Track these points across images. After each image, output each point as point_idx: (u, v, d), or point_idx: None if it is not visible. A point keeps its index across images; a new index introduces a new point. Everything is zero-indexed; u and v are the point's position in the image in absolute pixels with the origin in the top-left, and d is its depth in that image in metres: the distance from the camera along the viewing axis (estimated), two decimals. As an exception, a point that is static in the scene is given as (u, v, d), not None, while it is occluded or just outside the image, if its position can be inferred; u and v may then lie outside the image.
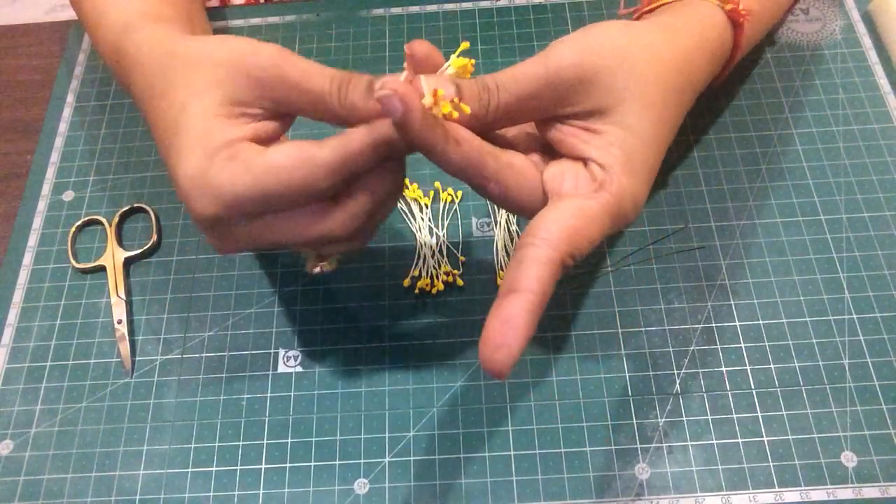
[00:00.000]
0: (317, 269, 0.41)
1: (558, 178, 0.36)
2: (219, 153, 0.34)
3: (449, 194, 0.50)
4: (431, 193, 0.50)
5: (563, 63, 0.36)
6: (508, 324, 0.32)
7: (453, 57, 0.36)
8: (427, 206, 0.50)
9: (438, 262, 0.48)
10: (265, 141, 0.36)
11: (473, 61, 0.36)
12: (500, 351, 0.31)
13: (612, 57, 0.36)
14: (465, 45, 0.37)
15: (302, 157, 0.33)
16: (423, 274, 0.47)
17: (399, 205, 0.49)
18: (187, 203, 0.35)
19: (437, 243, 0.48)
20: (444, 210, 0.50)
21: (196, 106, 0.35)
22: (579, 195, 0.35)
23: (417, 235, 0.49)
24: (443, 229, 0.49)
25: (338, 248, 0.38)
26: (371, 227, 0.38)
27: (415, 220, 0.49)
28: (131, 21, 0.42)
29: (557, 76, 0.36)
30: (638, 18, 0.44)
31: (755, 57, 0.55)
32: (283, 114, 0.36)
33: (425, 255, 0.48)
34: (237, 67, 0.35)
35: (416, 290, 0.47)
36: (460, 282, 0.47)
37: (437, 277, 0.47)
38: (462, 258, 0.48)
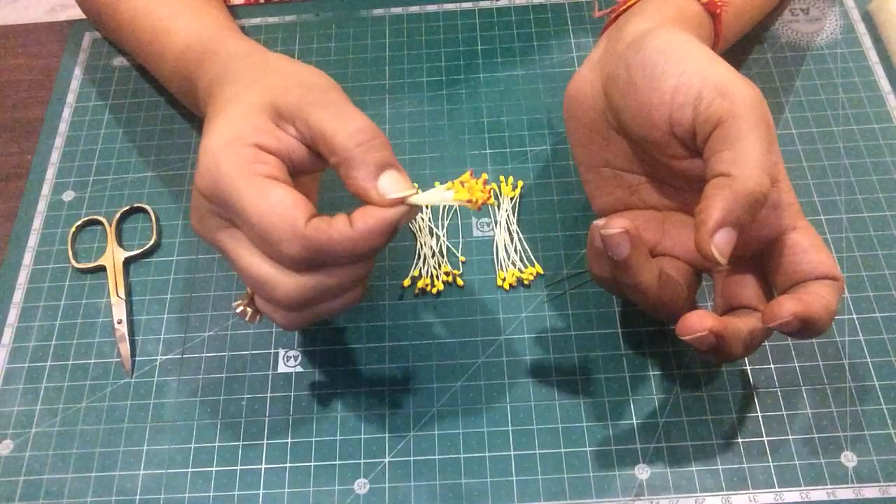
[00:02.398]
0: (239, 311, 0.40)
1: None
2: (243, 147, 0.35)
3: None
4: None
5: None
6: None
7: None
8: (427, 207, 0.50)
9: (438, 262, 0.48)
10: (295, 164, 0.36)
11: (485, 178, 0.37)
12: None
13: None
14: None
15: (290, 215, 0.34)
16: (423, 274, 0.47)
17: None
18: (196, 175, 0.36)
19: (437, 243, 0.48)
20: (443, 210, 0.50)
21: (246, 98, 0.37)
22: None
23: (418, 235, 0.49)
24: (443, 229, 0.49)
25: (270, 310, 0.38)
26: (308, 319, 0.38)
27: (415, 220, 0.49)
28: (213, 31, 0.47)
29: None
30: (614, 19, 0.44)
31: (746, 54, 0.55)
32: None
33: (425, 256, 0.48)
34: (292, 88, 0.37)
35: (416, 291, 0.47)
36: (460, 282, 0.47)
37: (437, 277, 0.47)
38: (462, 258, 0.48)
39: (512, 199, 0.50)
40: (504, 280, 0.47)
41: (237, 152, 0.34)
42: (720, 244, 0.33)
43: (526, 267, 0.47)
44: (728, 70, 0.36)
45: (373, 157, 0.35)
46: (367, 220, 0.34)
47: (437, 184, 0.50)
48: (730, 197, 0.33)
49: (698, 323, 0.35)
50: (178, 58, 0.47)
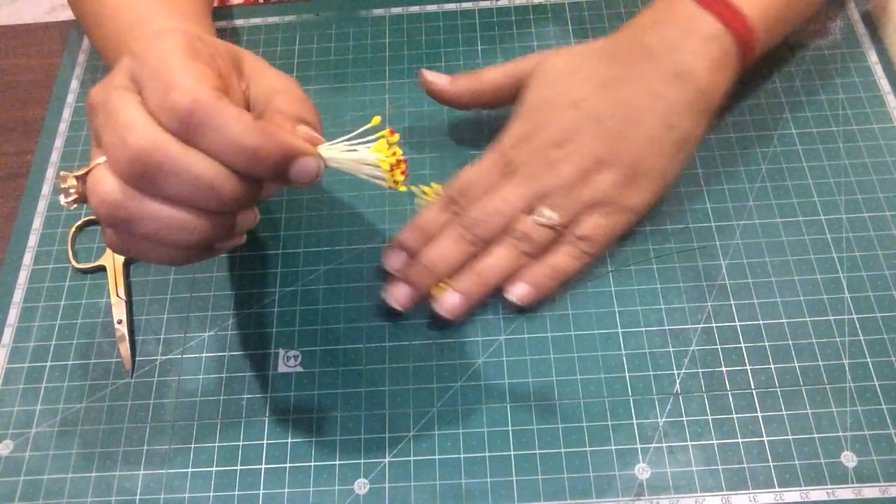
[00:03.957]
0: (66, 183, 0.34)
1: None
2: (200, 43, 0.33)
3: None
4: (429, 192, 0.50)
5: None
6: None
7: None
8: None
9: None
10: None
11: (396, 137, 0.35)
12: None
13: None
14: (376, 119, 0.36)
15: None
16: None
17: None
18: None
19: None
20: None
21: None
22: None
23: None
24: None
25: (101, 179, 0.32)
26: (142, 210, 0.32)
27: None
28: (141, 16, 0.43)
29: None
30: None
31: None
32: None
33: None
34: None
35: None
36: None
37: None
38: None
39: None
40: None
41: (193, 43, 0.33)
42: None
43: None
44: None
45: (297, 108, 0.34)
46: (273, 127, 0.32)
47: (434, 184, 0.50)
48: None
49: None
50: (114, 52, 0.45)
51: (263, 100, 0.35)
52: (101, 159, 0.32)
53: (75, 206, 0.34)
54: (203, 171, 0.31)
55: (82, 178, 0.33)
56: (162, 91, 0.30)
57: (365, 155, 0.34)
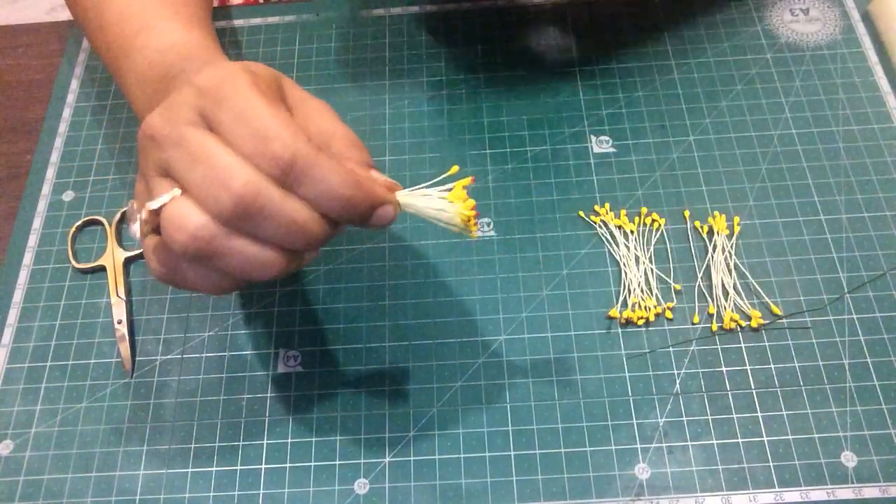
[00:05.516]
0: (139, 215, 0.34)
1: None
2: (260, 79, 0.34)
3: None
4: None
5: None
6: None
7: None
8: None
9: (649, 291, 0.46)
10: None
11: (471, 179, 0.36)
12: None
13: None
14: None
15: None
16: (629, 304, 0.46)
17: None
18: (195, 72, 0.34)
19: (640, 270, 0.47)
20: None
21: (250, 64, 0.36)
22: None
23: (622, 267, 0.48)
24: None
25: (182, 221, 0.33)
26: (226, 246, 0.33)
27: (618, 246, 0.47)
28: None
29: None
30: None
31: (746, 54, 0.55)
32: None
33: (629, 283, 0.46)
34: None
35: (622, 320, 0.45)
36: (668, 314, 0.46)
37: (647, 309, 0.46)
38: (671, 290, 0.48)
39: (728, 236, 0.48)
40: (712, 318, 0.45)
41: (255, 78, 0.34)
42: None
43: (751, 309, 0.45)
44: None
45: (365, 156, 0.36)
46: (362, 177, 0.34)
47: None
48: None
49: None
50: (153, 61, 0.44)
51: (315, 138, 0.35)
52: (175, 192, 0.33)
53: (145, 237, 0.34)
54: (299, 217, 0.33)
55: (157, 211, 0.33)
56: (258, 140, 0.32)
57: (444, 205, 0.35)
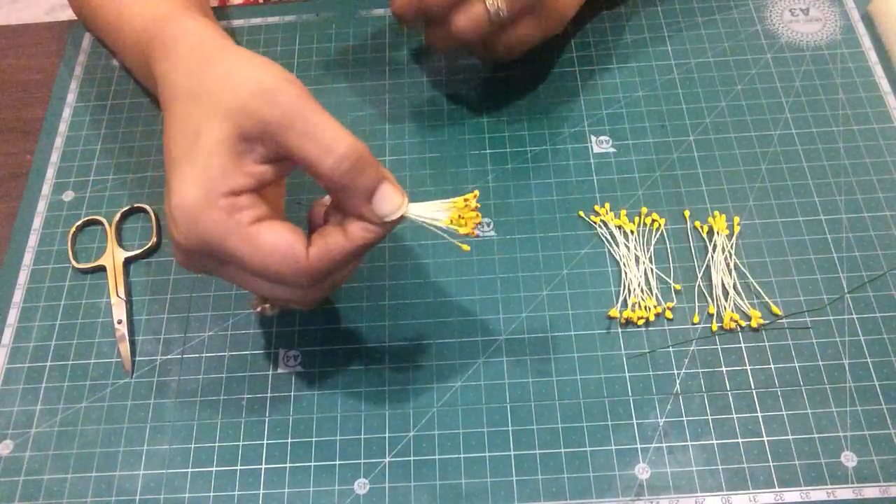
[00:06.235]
0: (258, 309, 0.43)
1: None
2: (218, 200, 0.35)
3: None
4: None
5: None
6: None
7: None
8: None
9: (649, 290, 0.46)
10: (265, 185, 0.37)
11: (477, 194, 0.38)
12: None
13: None
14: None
15: (290, 254, 0.35)
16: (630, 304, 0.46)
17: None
18: (171, 226, 0.36)
19: (641, 271, 0.47)
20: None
21: (207, 135, 0.35)
22: None
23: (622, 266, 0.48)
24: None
25: (290, 305, 0.42)
26: (323, 296, 0.41)
27: (618, 246, 0.47)
28: (165, 11, 0.44)
29: None
30: None
31: (746, 54, 0.55)
32: (286, 158, 0.37)
33: (629, 284, 0.46)
34: (251, 107, 0.35)
35: (623, 320, 0.45)
36: (668, 314, 0.46)
37: (647, 309, 0.45)
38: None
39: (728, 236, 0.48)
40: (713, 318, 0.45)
41: (214, 210, 0.35)
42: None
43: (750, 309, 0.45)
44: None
45: (362, 183, 0.35)
46: (363, 231, 0.36)
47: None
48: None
49: None
50: (136, 42, 0.46)
51: (330, 177, 0.35)
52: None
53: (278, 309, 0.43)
54: (346, 272, 0.41)
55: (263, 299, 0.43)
56: (274, 282, 0.37)
57: (443, 215, 0.38)
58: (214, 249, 0.36)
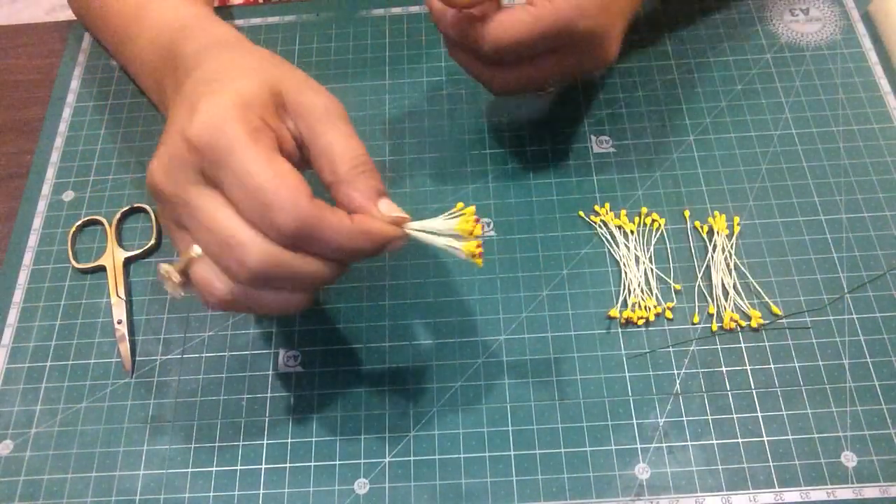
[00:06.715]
0: (170, 276, 0.37)
1: None
2: (250, 116, 0.34)
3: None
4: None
5: None
6: None
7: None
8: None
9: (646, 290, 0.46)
10: (284, 156, 0.36)
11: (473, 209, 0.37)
12: None
13: None
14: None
15: (296, 190, 0.33)
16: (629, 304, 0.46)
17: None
18: (182, 120, 0.34)
19: (642, 270, 0.47)
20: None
21: (253, 71, 0.37)
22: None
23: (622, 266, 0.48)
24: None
25: (212, 278, 0.36)
26: (253, 299, 0.36)
27: (618, 246, 0.48)
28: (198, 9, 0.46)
29: None
30: None
31: (747, 54, 0.55)
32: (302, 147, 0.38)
33: (630, 284, 0.46)
34: (296, 86, 0.37)
35: (623, 321, 0.45)
36: (668, 314, 0.46)
37: (647, 309, 0.45)
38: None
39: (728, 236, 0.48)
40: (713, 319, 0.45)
41: (247, 116, 0.34)
42: None
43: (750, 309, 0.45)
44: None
45: (373, 182, 0.36)
46: (368, 223, 0.35)
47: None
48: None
49: None
50: (153, 41, 0.46)
51: (321, 160, 0.36)
52: (196, 251, 0.35)
53: (183, 289, 0.37)
54: (312, 270, 0.35)
55: (183, 272, 0.36)
56: (261, 208, 0.33)
57: (451, 241, 0.37)
58: (218, 158, 0.33)
